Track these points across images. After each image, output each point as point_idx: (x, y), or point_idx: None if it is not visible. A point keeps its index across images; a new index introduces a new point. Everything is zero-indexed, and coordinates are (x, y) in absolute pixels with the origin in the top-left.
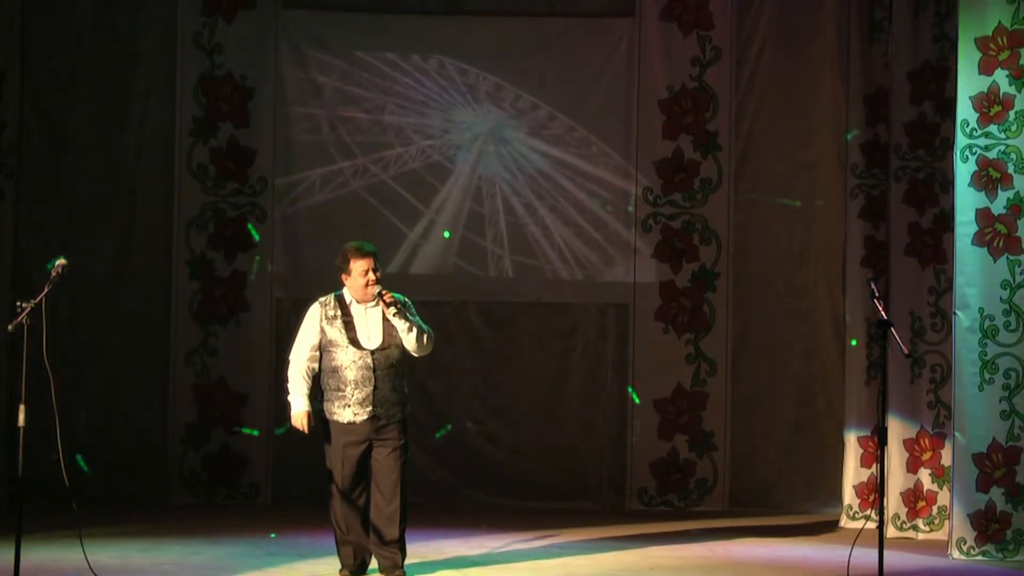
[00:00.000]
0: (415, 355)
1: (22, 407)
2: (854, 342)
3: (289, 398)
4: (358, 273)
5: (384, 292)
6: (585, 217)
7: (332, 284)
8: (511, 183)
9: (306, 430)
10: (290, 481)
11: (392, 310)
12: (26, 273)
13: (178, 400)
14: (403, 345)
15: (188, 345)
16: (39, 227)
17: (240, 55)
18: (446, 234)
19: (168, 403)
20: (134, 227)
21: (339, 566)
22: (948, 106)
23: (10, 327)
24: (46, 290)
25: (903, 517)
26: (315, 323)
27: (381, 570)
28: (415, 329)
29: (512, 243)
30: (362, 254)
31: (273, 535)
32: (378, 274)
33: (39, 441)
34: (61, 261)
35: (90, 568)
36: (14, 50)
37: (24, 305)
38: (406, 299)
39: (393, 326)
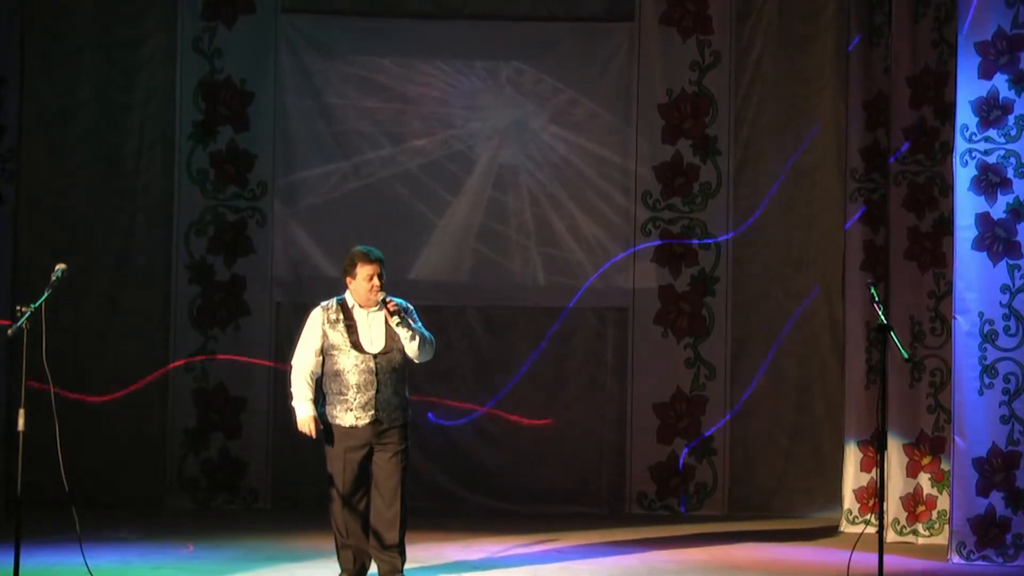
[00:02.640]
0: (416, 361)
1: (21, 412)
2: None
3: (293, 403)
4: (363, 278)
5: (388, 300)
6: (584, 219)
7: (333, 288)
8: (515, 181)
9: (313, 434)
10: (289, 485)
11: (395, 319)
12: (26, 278)
13: (177, 405)
14: (405, 350)
15: (188, 350)
16: (39, 232)
17: (240, 59)
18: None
19: (167, 408)
20: (134, 231)
21: (339, 570)
22: (948, 111)
23: (10, 332)
24: (46, 295)
25: (903, 521)
26: (317, 327)
27: (381, 574)
28: (418, 337)
29: (531, 236)
30: (369, 259)
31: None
32: (383, 280)
33: (38, 445)
34: (61, 266)
35: (89, 573)
36: (13, 54)
37: (24, 309)
38: (408, 304)
39: (395, 330)
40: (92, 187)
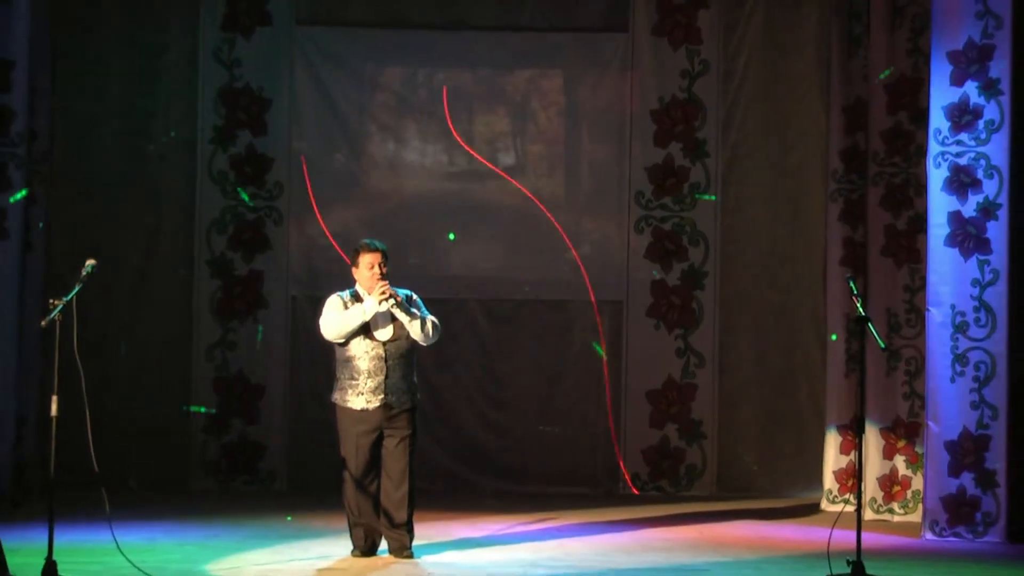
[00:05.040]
0: (423, 344)
1: (54, 398)
2: (834, 337)
3: (355, 318)
4: (365, 266)
5: (383, 287)
6: (581, 217)
7: (345, 282)
8: (516, 181)
9: (387, 291)
10: (305, 468)
11: (391, 302)
12: (58, 272)
13: (199, 392)
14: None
15: (209, 340)
16: (70, 229)
17: (257, 68)
18: (451, 236)
19: (190, 394)
20: (159, 229)
21: (351, 547)
22: (922, 115)
23: (43, 323)
24: (77, 288)
25: (880, 500)
26: (339, 305)
27: (391, 551)
28: (418, 320)
29: (531, 234)
30: (371, 249)
31: (289, 517)
32: (384, 270)
33: (70, 430)
34: (91, 261)
35: (119, 549)
36: (45, 64)
37: (56, 302)
38: (412, 294)
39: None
40: (119, 188)
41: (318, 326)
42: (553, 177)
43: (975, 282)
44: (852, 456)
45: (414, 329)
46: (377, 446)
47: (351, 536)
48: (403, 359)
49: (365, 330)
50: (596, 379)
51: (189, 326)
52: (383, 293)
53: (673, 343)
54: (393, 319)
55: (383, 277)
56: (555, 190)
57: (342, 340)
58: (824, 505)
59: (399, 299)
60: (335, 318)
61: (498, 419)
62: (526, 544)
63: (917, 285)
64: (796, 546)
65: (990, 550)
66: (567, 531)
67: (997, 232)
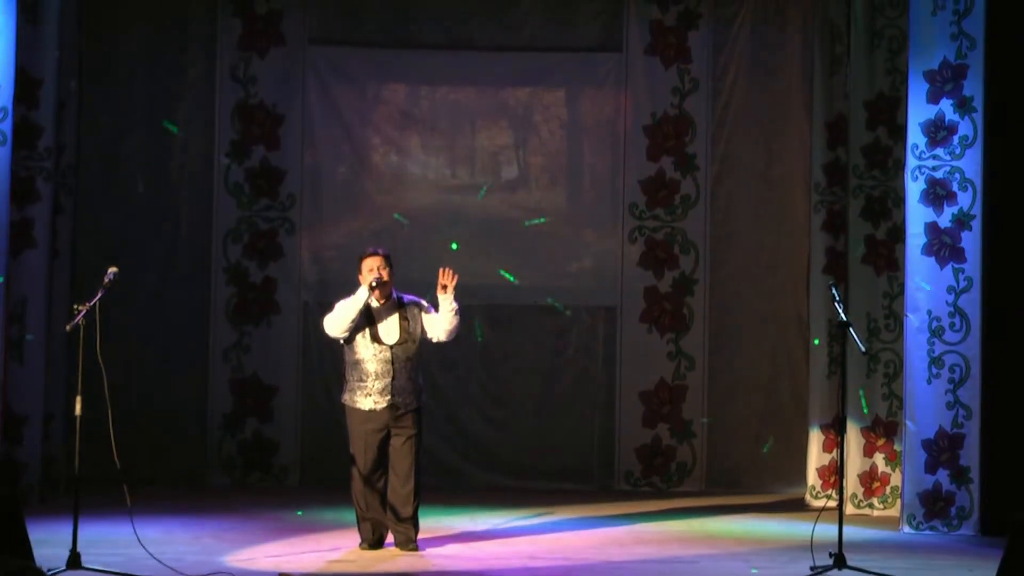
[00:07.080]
0: (446, 337)
1: (78, 398)
2: (816, 341)
3: (353, 305)
4: (367, 270)
5: (447, 285)
6: (578, 228)
7: (354, 288)
8: (517, 194)
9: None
10: (316, 464)
11: (451, 293)
12: (83, 279)
13: (216, 392)
14: (418, 340)
15: (225, 343)
16: (95, 238)
17: (272, 86)
18: (454, 246)
19: (207, 395)
20: (178, 238)
21: (359, 540)
22: (900, 131)
23: (68, 327)
24: (100, 294)
25: (860, 496)
26: None
27: (397, 544)
28: (456, 311)
29: (531, 242)
30: (372, 254)
31: (301, 512)
32: (386, 271)
33: (94, 428)
34: (113, 269)
35: (139, 542)
36: (72, 80)
37: (80, 308)
38: (422, 300)
39: (409, 323)
40: (141, 198)
41: (323, 327)
42: (555, 189)
43: (950, 289)
44: (834, 454)
45: (453, 319)
46: (384, 444)
47: (359, 529)
48: (409, 362)
49: (372, 334)
50: (591, 380)
51: (206, 330)
52: (373, 276)
53: (665, 347)
54: (399, 323)
55: (387, 279)
56: (553, 201)
57: (345, 334)
58: (808, 500)
59: (387, 280)
60: (334, 312)
61: (499, 417)
62: (525, 537)
63: (895, 292)
64: (781, 539)
65: (964, 542)
66: (564, 525)
67: (971, 242)
